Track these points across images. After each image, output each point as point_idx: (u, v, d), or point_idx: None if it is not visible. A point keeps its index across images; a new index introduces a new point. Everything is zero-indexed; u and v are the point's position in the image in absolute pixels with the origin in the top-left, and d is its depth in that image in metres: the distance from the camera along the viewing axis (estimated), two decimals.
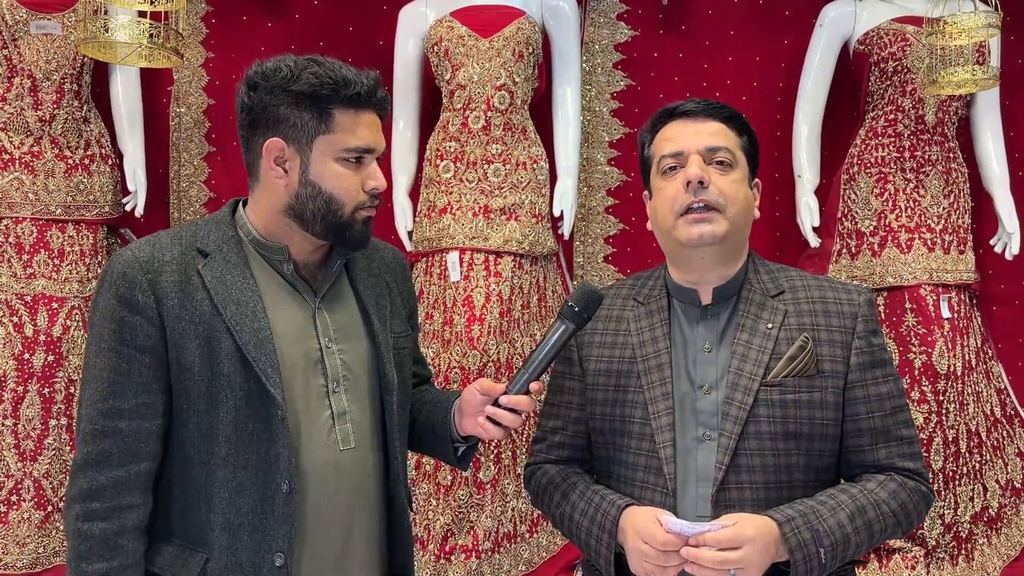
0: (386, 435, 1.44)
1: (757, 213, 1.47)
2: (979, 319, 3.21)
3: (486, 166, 3.01)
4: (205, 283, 1.31)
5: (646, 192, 1.51)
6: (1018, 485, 3.17)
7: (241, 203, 1.43)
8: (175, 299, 1.30)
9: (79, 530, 1.28)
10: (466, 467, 1.57)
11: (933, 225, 3.07)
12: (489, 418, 1.37)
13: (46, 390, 2.88)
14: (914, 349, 3.00)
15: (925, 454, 2.96)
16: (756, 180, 1.49)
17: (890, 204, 3.09)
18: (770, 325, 1.38)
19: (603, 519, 1.37)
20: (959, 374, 3.01)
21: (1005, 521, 3.12)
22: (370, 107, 1.36)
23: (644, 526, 1.30)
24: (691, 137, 1.41)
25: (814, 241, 3.15)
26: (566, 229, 3.09)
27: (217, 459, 1.30)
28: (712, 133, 1.41)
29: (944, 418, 2.97)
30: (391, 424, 1.43)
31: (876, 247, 3.09)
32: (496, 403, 1.37)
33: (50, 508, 2.88)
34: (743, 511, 1.31)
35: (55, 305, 2.92)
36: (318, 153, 1.33)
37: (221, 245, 1.35)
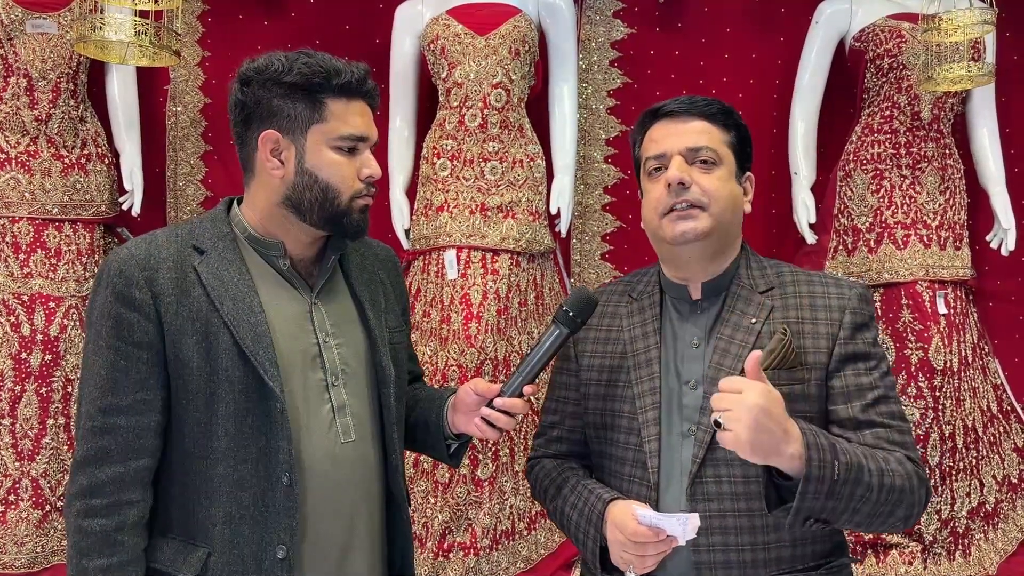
0: (384, 428, 1.46)
1: (748, 207, 1.47)
2: (975, 315, 3.21)
3: (483, 164, 3.01)
4: (202, 279, 1.33)
5: (640, 191, 1.52)
6: (1015, 480, 3.18)
7: (236, 201, 1.45)
8: (172, 296, 1.31)
9: (80, 526, 1.29)
10: (458, 464, 1.60)
11: (929, 221, 3.08)
12: (484, 419, 1.39)
13: (43, 389, 2.88)
14: (910, 345, 3.01)
15: (922, 450, 2.96)
16: (748, 174, 1.48)
17: (886, 200, 3.09)
18: (754, 320, 1.38)
19: (590, 513, 1.40)
20: (955, 370, 3.01)
21: (1002, 516, 3.13)
22: (361, 96, 1.38)
23: (620, 518, 1.33)
24: (673, 138, 1.42)
25: (810, 238, 3.15)
26: (563, 227, 3.09)
27: (217, 453, 1.31)
28: (695, 132, 1.41)
29: (940, 414, 2.98)
30: (389, 417, 1.45)
31: (872, 244, 3.10)
32: (490, 404, 1.39)
33: (48, 507, 2.88)
34: (721, 505, 1.32)
35: (52, 304, 2.92)
36: (312, 142, 1.35)
37: (216, 242, 1.37)
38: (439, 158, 3.04)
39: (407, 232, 3.10)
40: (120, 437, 1.29)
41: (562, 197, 3.07)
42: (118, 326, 1.30)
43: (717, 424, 1.19)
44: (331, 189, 1.35)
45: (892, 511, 1.26)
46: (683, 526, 1.26)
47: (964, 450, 3.04)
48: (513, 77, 3.02)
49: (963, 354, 3.06)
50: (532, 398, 1.42)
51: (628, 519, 1.31)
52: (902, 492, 1.27)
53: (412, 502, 2.81)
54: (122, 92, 3.12)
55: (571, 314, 1.38)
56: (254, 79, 1.36)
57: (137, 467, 1.31)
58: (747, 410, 1.16)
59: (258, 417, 1.31)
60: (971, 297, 3.22)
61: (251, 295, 1.34)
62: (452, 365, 2.89)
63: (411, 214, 3.12)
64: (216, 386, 1.31)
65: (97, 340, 1.31)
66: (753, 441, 1.17)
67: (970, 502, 3.04)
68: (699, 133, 1.41)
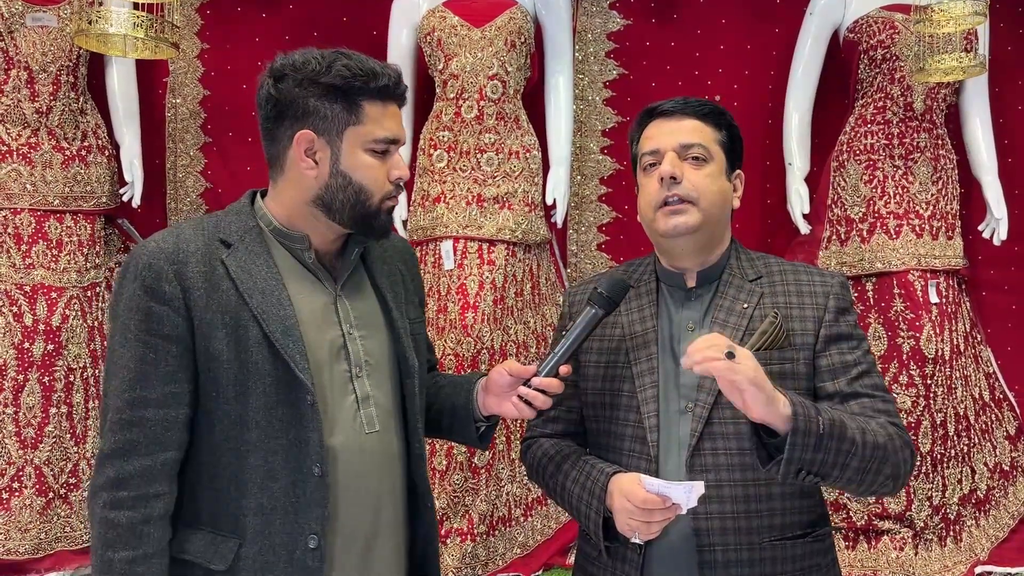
0: (407, 418, 1.48)
1: (737, 203, 1.56)
2: (968, 304, 3.24)
3: (479, 155, 3.04)
4: (230, 273, 1.33)
5: (637, 186, 1.59)
6: (1006, 468, 3.21)
7: (260, 194, 1.45)
8: (201, 289, 1.32)
9: (106, 518, 1.29)
10: (486, 446, 1.63)
11: (921, 211, 3.10)
12: (521, 398, 1.42)
13: (46, 379, 2.92)
14: (902, 334, 3.04)
15: (913, 437, 3.00)
16: (738, 172, 1.56)
17: (879, 191, 3.12)
18: (746, 305, 1.48)
19: (593, 485, 1.46)
20: (947, 358, 3.04)
21: (993, 503, 3.16)
22: (395, 99, 1.39)
23: (628, 487, 1.39)
24: (667, 136, 1.51)
25: (804, 228, 3.18)
26: (559, 217, 3.12)
27: (248, 445, 1.32)
28: (688, 131, 1.51)
29: (932, 402, 3.01)
30: (412, 407, 1.47)
31: (865, 233, 3.13)
32: (527, 384, 1.42)
33: (51, 495, 2.92)
34: (718, 476, 1.41)
35: (54, 295, 2.95)
36: (348, 144, 1.35)
37: (243, 235, 1.38)
38: (436, 149, 3.06)
39: (404, 223, 3.13)
40: (148, 430, 1.30)
41: (558, 188, 3.09)
42: (147, 319, 1.30)
43: (730, 355, 1.26)
44: (364, 191, 1.36)
45: (879, 468, 1.36)
46: (688, 494, 1.33)
47: (956, 437, 3.07)
48: (509, 69, 3.04)
49: (955, 343, 3.09)
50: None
51: (636, 487, 1.37)
52: (885, 450, 1.36)
53: None
54: (122, 84, 3.15)
55: (606, 295, 1.44)
56: (289, 76, 1.35)
57: (164, 460, 1.31)
58: (750, 379, 1.27)
59: (289, 409, 1.32)
60: (963, 286, 3.25)
61: (279, 288, 1.34)
62: (449, 355, 2.92)
63: (408, 205, 3.15)
64: (247, 379, 1.32)
65: (125, 333, 1.31)
66: (759, 379, 1.26)
67: (961, 489, 3.08)
68: (691, 131, 1.50)
